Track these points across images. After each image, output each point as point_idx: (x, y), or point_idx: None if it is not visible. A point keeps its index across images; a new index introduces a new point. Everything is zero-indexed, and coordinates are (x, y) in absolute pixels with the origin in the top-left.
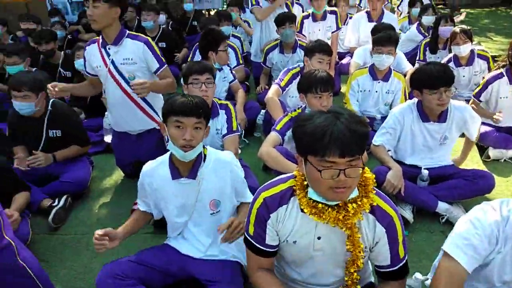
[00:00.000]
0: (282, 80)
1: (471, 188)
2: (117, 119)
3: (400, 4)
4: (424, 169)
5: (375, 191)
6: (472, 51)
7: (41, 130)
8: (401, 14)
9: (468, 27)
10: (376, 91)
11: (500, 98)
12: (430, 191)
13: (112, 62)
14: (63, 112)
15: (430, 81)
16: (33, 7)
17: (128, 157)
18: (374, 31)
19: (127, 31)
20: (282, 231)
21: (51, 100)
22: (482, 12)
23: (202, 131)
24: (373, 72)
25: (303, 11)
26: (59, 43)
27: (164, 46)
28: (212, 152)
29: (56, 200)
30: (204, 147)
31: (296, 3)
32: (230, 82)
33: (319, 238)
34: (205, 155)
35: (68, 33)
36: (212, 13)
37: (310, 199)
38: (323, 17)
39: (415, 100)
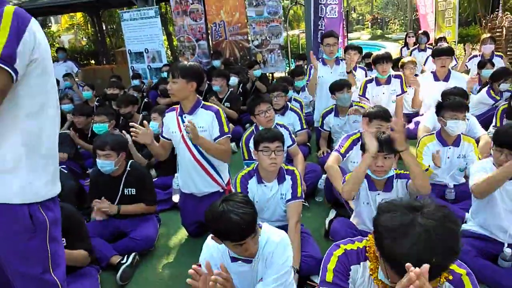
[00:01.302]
0: (342, 146)
1: None
2: (185, 180)
3: (468, 61)
4: (508, 247)
5: None
6: None
7: (117, 188)
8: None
9: None
10: (448, 157)
11: None
12: None
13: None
14: (139, 172)
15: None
16: (117, 71)
17: (192, 217)
18: (445, 95)
19: (202, 102)
20: None
21: (130, 161)
22: None
23: (258, 236)
24: (442, 138)
25: (366, 75)
26: None
27: (229, 106)
28: (266, 231)
29: (125, 258)
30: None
31: (359, 67)
32: (288, 147)
33: None
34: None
35: (144, 96)
36: (276, 75)
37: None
38: (388, 81)
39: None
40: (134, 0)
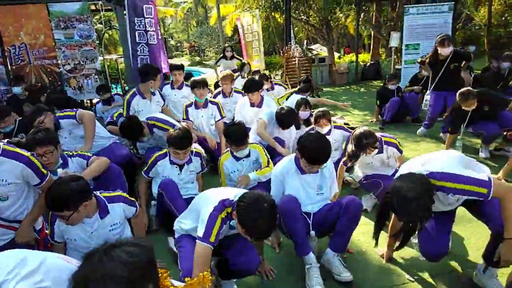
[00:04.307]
0: (146, 165)
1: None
2: None
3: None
4: (312, 230)
5: None
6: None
7: None
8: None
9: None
10: (245, 168)
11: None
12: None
13: None
14: None
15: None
16: None
17: None
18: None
19: (1, 146)
20: None
21: None
22: (340, 89)
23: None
24: (235, 155)
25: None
26: None
27: None
28: None
29: None
30: None
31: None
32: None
33: None
34: None
35: None
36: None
37: None
38: (205, 105)
39: (292, 156)
40: None
